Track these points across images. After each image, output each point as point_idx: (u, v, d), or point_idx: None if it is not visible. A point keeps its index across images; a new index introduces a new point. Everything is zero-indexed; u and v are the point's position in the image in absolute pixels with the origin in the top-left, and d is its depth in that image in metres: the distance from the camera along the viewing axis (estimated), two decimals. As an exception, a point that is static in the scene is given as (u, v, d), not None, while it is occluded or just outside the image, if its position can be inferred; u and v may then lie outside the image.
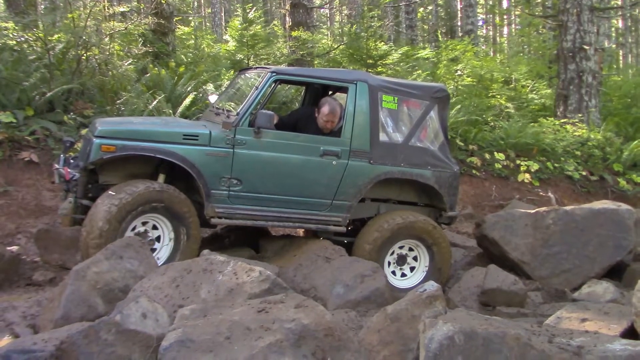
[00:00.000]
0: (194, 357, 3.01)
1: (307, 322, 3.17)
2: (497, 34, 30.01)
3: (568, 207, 6.50)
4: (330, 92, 6.16)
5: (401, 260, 5.76)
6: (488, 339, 2.97)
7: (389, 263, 5.70)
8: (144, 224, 4.98)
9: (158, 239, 5.04)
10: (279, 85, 8.15)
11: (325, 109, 5.57)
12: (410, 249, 5.76)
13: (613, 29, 26.98)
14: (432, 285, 3.58)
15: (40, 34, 8.17)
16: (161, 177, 5.20)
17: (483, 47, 22.03)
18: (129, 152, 4.92)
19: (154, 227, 5.03)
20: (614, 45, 24.62)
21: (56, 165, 5.47)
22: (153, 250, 4.97)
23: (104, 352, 3.20)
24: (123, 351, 3.22)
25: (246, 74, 6.18)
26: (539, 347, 2.99)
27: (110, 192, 4.87)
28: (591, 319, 4.26)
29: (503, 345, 2.97)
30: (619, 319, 4.17)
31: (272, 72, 5.37)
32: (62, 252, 5.58)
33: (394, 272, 5.74)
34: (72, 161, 5.42)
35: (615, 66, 22.21)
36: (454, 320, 3.07)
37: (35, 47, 8.34)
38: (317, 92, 6.32)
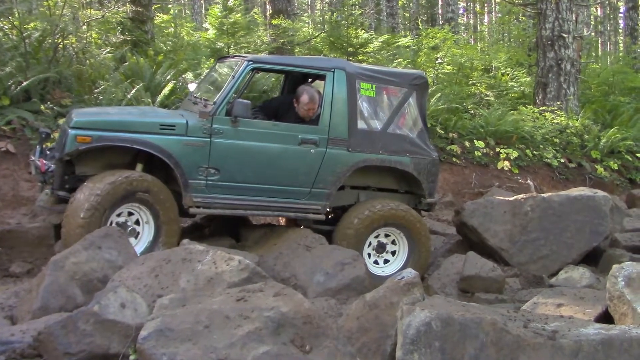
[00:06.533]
0: (172, 346, 3.01)
1: (286, 310, 3.18)
2: (478, 22, 30.10)
3: (546, 194, 6.57)
4: (309, 80, 6.16)
5: (380, 247, 5.78)
6: (465, 325, 3.01)
7: (369, 251, 5.73)
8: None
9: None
10: (259, 74, 8.16)
11: (304, 98, 5.56)
12: (389, 236, 5.78)
13: (592, 17, 27.20)
14: (410, 273, 3.62)
15: (15, 22, 8.04)
16: (139, 167, 5.16)
17: (463, 35, 22.10)
18: (105, 142, 4.90)
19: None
20: (592, 33, 24.81)
21: (32, 157, 5.40)
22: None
23: (82, 342, 3.19)
24: (101, 341, 3.21)
25: (225, 63, 6.15)
26: (514, 332, 3.04)
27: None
28: (567, 304, 4.33)
29: (479, 330, 3.01)
30: (594, 304, 4.24)
31: (249, 60, 5.37)
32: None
33: (373, 260, 5.76)
34: (48, 152, 5.35)
35: (593, 54, 22.42)
36: (431, 307, 3.11)
37: (10, 36, 8.21)
38: (296, 80, 6.30)
